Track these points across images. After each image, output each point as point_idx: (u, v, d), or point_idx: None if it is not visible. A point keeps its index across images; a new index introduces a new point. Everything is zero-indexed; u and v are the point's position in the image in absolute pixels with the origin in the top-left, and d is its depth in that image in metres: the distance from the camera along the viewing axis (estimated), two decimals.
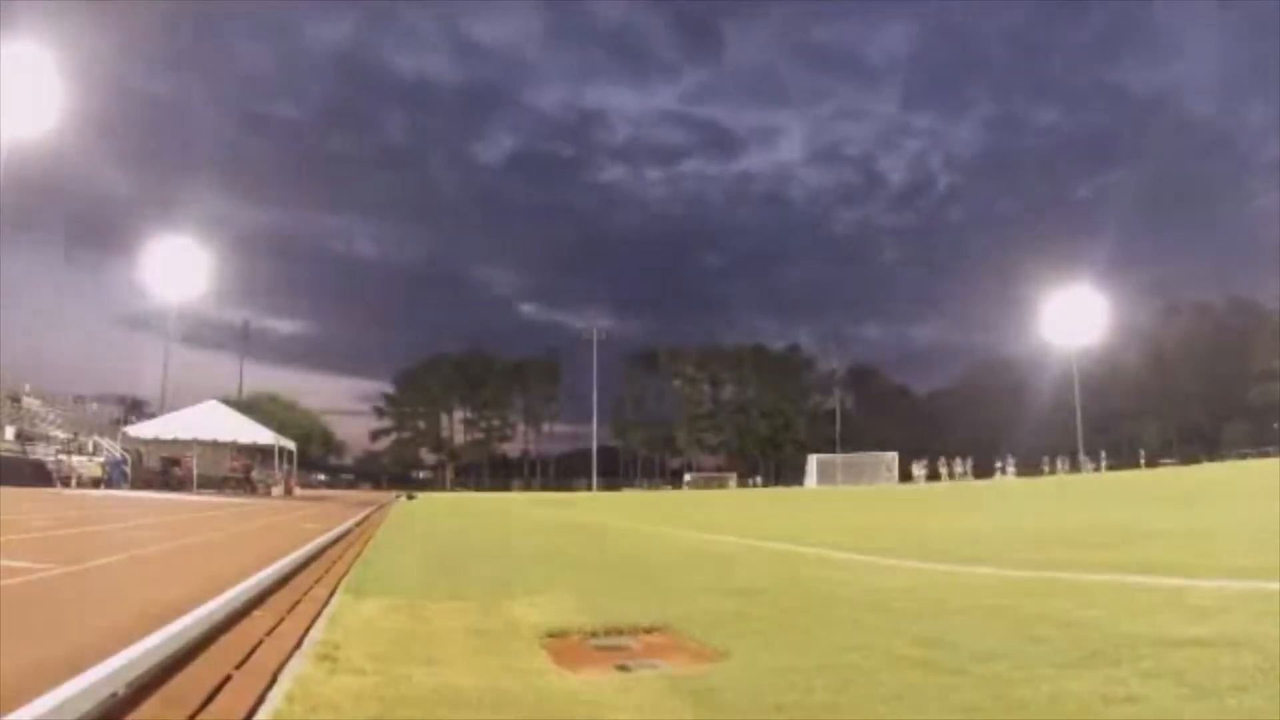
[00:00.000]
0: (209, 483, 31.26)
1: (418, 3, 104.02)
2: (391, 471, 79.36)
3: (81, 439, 36.12)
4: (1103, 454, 52.73)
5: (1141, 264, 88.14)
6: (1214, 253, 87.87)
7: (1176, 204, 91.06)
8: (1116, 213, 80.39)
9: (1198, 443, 62.84)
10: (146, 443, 33.24)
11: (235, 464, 33.37)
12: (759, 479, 73.13)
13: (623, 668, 2.84)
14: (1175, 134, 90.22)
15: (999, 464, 51.56)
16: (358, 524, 12.65)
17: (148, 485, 30.09)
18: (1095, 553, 5.98)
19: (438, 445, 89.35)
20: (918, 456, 56.30)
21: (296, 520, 13.60)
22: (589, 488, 63.52)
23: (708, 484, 63.65)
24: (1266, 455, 36.70)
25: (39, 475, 30.33)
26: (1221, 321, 73.09)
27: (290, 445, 36.59)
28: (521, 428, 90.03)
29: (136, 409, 56.79)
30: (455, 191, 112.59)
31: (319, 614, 3.82)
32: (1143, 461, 49.49)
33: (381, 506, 22.50)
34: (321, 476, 66.15)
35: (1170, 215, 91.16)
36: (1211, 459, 48.49)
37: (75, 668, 2.21)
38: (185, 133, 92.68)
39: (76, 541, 8.04)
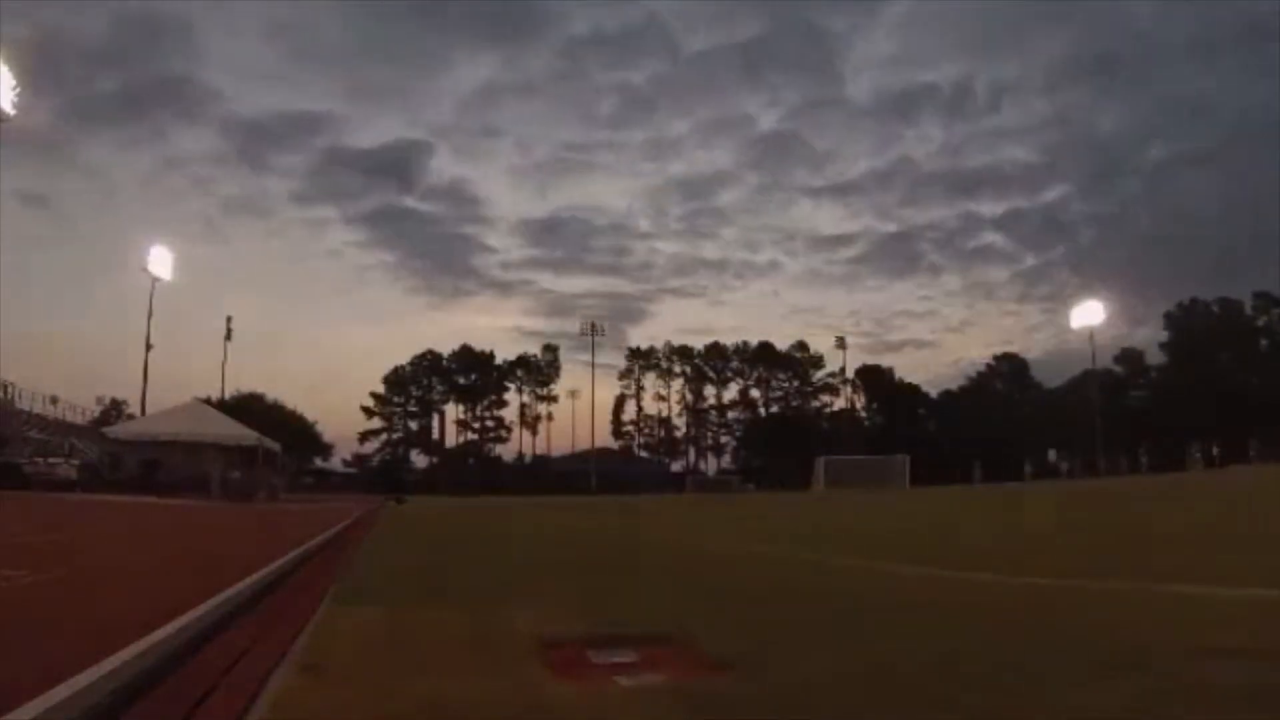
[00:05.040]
0: (190, 485, 29.80)
1: None
2: (381, 474, 77.58)
3: (58, 440, 34.69)
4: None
5: None
6: None
7: None
8: None
9: (1222, 446, 61.54)
10: (126, 444, 32.05)
11: (217, 466, 31.88)
12: (751, 484, 71.20)
13: (622, 678, 2.72)
14: None
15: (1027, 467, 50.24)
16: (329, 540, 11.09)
17: (126, 488, 28.66)
18: (1116, 558, 6.00)
19: (429, 447, 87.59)
20: (928, 459, 54.82)
21: (266, 535, 12.06)
22: (588, 492, 61.85)
23: (714, 488, 61.81)
24: None
25: (14, 478, 28.89)
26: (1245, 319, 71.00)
27: (275, 446, 35.44)
28: (517, 429, 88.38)
29: (117, 409, 55.15)
30: None
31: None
32: (1162, 464, 48.37)
33: (372, 512, 21.02)
34: (308, 479, 64.56)
35: None
36: (1237, 462, 47.21)
37: None
38: None
39: None
